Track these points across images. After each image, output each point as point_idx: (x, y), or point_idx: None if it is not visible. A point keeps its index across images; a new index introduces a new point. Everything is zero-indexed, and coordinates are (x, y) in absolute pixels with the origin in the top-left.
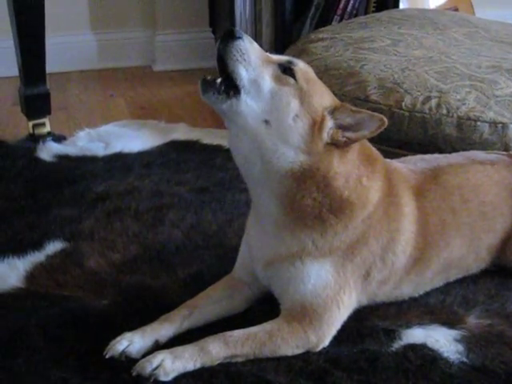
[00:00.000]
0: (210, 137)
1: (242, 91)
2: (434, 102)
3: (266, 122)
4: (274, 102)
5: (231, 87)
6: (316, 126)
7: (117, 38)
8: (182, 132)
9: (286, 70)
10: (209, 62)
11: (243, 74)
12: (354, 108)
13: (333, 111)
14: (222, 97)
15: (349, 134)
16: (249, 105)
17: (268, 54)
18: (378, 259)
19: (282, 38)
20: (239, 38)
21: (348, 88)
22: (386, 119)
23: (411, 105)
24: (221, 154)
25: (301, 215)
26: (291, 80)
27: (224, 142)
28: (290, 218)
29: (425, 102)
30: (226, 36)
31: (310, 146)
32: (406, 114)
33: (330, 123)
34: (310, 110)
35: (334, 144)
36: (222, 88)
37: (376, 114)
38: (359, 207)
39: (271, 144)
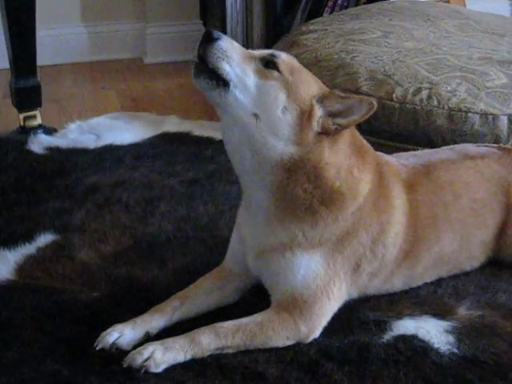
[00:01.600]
0: (200, 129)
1: (231, 84)
2: (424, 94)
3: (255, 114)
4: (261, 96)
5: (221, 79)
6: (305, 115)
7: (108, 30)
8: (173, 124)
9: (269, 63)
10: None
11: (228, 69)
12: (342, 94)
13: (321, 99)
14: (213, 83)
15: (339, 121)
16: (238, 98)
17: (249, 50)
18: (368, 251)
19: (273, 30)
20: (218, 38)
21: (339, 80)
22: (375, 102)
23: (402, 96)
24: (212, 146)
25: (291, 206)
26: (275, 73)
27: (215, 134)
28: (280, 208)
29: (416, 93)
30: (206, 38)
31: (299, 136)
32: (397, 105)
33: (319, 112)
34: (297, 100)
35: (325, 133)
36: (214, 75)
37: (365, 97)
38: (350, 198)
39: (261, 136)
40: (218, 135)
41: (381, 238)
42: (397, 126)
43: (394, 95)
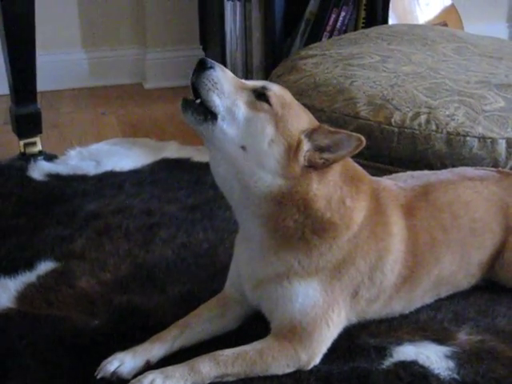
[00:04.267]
0: (200, 154)
1: (219, 117)
2: (423, 118)
3: (243, 147)
4: (249, 128)
5: (209, 112)
6: (292, 150)
7: (108, 56)
8: (172, 150)
9: (261, 95)
10: None
11: (217, 102)
12: (331, 129)
13: (310, 134)
14: (200, 118)
15: (326, 155)
16: (225, 131)
17: (243, 80)
18: (366, 278)
19: (273, 55)
20: (211, 67)
21: (338, 105)
22: (363, 139)
23: (400, 121)
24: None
25: (285, 236)
26: (266, 106)
27: None
28: (274, 239)
29: (414, 117)
30: (198, 67)
31: (286, 170)
32: (396, 130)
33: (306, 146)
34: (285, 134)
35: (313, 166)
36: (201, 110)
37: (354, 133)
38: (343, 228)
39: (248, 169)
40: None
41: (379, 265)
42: (396, 151)
43: (393, 120)
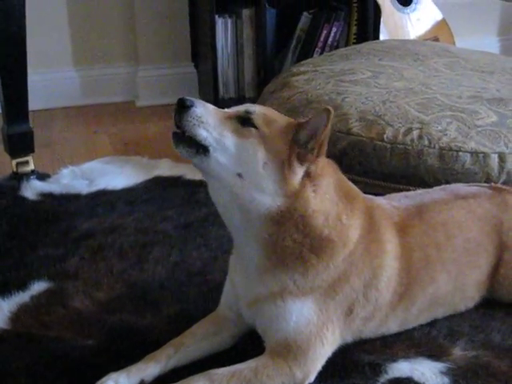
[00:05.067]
0: (193, 172)
1: (211, 149)
2: (415, 134)
3: (239, 174)
4: (241, 155)
5: (200, 145)
6: (285, 164)
7: (99, 73)
8: (165, 168)
9: (245, 121)
10: (191, 96)
11: (205, 135)
12: (302, 120)
13: (293, 138)
14: (192, 151)
15: (312, 144)
16: (219, 161)
17: (225, 109)
18: (361, 296)
19: (264, 72)
20: (191, 106)
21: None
22: (331, 108)
23: (393, 137)
24: (204, 190)
25: (282, 257)
26: (252, 130)
27: None
28: (271, 260)
29: (406, 133)
30: (180, 107)
31: (285, 187)
32: (388, 146)
33: (295, 150)
34: (276, 152)
35: (308, 174)
36: (192, 142)
37: (320, 109)
38: (340, 245)
39: (247, 195)
40: None
41: (373, 283)
42: (388, 167)
43: (385, 136)
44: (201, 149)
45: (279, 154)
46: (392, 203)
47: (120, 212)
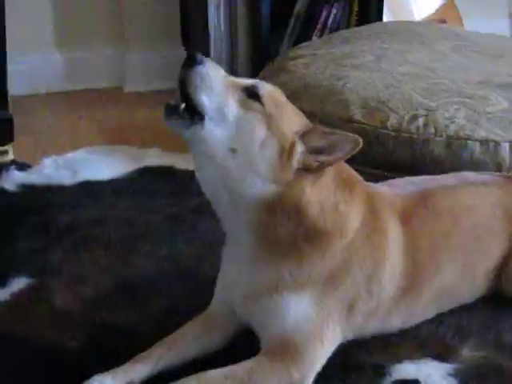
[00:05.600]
0: (184, 162)
1: (206, 118)
2: (421, 121)
3: (232, 150)
4: (239, 129)
5: (195, 113)
6: (285, 152)
7: (85, 57)
8: (154, 157)
9: (252, 94)
10: None
11: (205, 102)
12: (326, 129)
13: (304, 135)
14: (186, 122)
15: (322, 158)
16: (213, 132)
17: (233, 77)
18: (363, 290)
19: (259, 56)
20: (201, 63)
21: (330, 108)
22: (360, 140)
23: (397, 124)
24: (195, 180)
25: (275, 245)
26: (257, 105)
27: None
28: (263, 248)
29: (411, 121)
30: (187, 62)
31: (278, 174)
32: (392, 134)
33: (300, 148)
34: (278, 135)
35: (306, 169)
36: (186, 114)
37: (350, 134)
38: (336, 235)
39: (238, 173)
40: None
41: (376, 275)
42: (392, 156)
43: (389, 123)
44: (196, 116)
45: (280, 140)
46: (394, 190)
47: (106, 204)
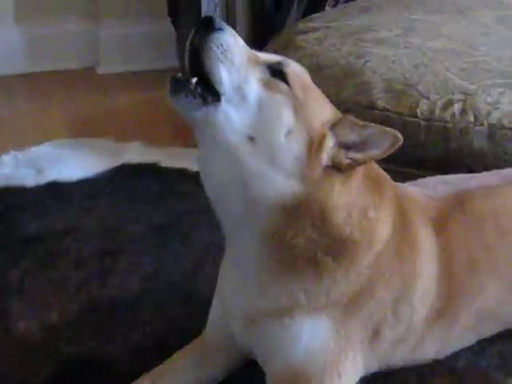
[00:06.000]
0: (172, 158)
1: (223, 98)
2: (457, 107)
3: (251, 138)
4: (262, 113)
5: (209, 91)
6: (314, 145)
7: (50, 32)
8: (136, 153)
9: (277, 73)
10: (169, 61)
11: (225, 77)
12: (360, 122)
13: (334, 126)
14: (198, 101)
15: (355, 155)
16: (229, 116)
17: (254, 51)
18: (390, 312)
19: (262, 29)
20: (220, 29)
21: (347, 92)
22: (400, 136)
23: (428, 111)
24: (186, 181)
25: (290, 258)
26: (284, 86)
27: (190, 165)
28: (276, 262)
29: (446, 107)
30: (203, 26)
31: (305, 170)
32: (423, 123)
33: (330, 142)
34: (306, 125)
35: (335, 167)
36: (199, 90)
37: (388, 129)
38: (364, 247)
39: (256, 167)
40: (193, 166)
41: (405, 295)
42: (422, 150)
43: (419, 110)
44: (209, 97)
45: (309, 129)
46: (426, 192)
47: (77, 209)
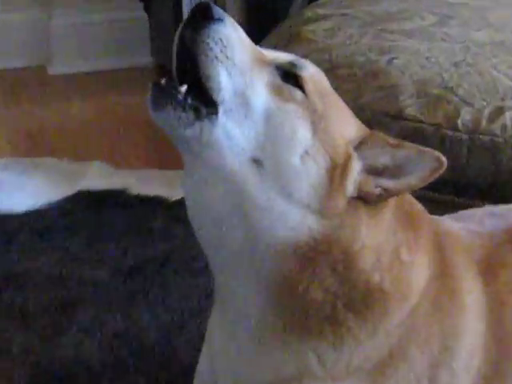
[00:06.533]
0: (144, 183)
1: (221, 109)
2: (509, 117)
3: (257, 161)
4: (270, 128)
5: (202, 101)
6: (336, 170)
7: None
8: (97, 176)
9: (289, 76)
10: (140, 58)
11: (224, 81)
12: (390, 140)
13: (360, 146)
14: (189, 115)
15: (386, 183)
16: (229, 132)
17: (260, 48)
18: (426, 381)
19: (258, 18)
20: (219, 19)
21: (368, 97)
22: (444, 158)
23: (472, 122)
24: (162, 212)
25: (301, 315)
26: (298, 93)
27: (166, 192)
28: (283, 319)
29: (494, 116)
30: (197, 15)
31: (325, 202)
32: (465, 137)
33: (357, 166)
34: (327, 144)
35: (362, 198)
36: (189, 100)
37: (428, 149)
38: (396, 300)
39: (263, 198)
40: (172, 193)
41: (445, 360)
42: (464, 171)
43: (459, 121)
44: (204, 108)
45: (331, 150)
46: (470, 227)
47: (22, 250)
